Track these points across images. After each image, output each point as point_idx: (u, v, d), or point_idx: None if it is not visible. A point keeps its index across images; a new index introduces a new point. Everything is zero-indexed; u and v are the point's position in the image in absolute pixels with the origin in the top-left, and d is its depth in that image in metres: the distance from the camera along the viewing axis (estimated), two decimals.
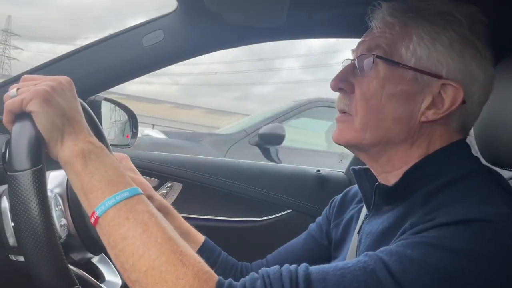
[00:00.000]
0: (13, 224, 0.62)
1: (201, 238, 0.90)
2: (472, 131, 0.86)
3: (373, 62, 0.65)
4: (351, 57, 0.73)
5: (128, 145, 1.39)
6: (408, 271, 0.50)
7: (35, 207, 0.53)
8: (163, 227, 0.53)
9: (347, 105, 0.68)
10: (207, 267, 0.53)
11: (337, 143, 0.70)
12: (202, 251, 0.88)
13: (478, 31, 0.66)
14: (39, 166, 0.55)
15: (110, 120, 1.36)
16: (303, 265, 0.54)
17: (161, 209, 0.87)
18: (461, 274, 0.50)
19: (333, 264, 0.54)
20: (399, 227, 0.60)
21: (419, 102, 0.65)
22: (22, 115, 0.58)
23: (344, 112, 0.69)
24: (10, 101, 0.58)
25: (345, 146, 0.71)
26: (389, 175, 0.69)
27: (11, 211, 0.56)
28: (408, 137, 0.66)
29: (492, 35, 0.68)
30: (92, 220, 0.55)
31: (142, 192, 0.57)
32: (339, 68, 0.73)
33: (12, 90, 0.59)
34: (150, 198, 0.85)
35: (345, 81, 0.68)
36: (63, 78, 0.62)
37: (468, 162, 0.66)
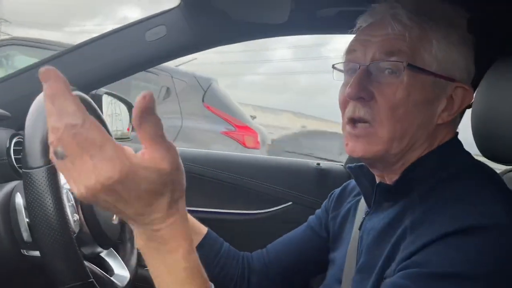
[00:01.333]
0: (28, 220, 0.63)
1: (204, 229, 0.91)
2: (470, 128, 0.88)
3: (404, 70, 0.63)
4: (343, 57, 0.71)
5: (129, 138, 1.40)
6: None
7: (50, 203, 0.55)
8: None
9: (368, 113, 0.65)
10: None
11: (361, 158, 0.67)
12: (205, 242, 0.90)
13: (472, 33, 0.68)
14: (53, 164, 0.56)
15: (109, 113, 1.36)
16: None
17: None
18: None
19: None
20: (399, 224, 0.63)
21: (436, 106, 0.66)
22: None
23: (361, 121, 0.66)
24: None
25: (367, 159, 0.68)
26: (394, 175, 0.69)
27: (26, 207, 0.57)
28: (426, 141, 0.67)
29: (491, 35, 0.70)
30: None
31: None
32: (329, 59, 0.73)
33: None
34: None
35: (364, 88, 0.65)
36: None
37: (463, 158, 0.68)
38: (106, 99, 1.25)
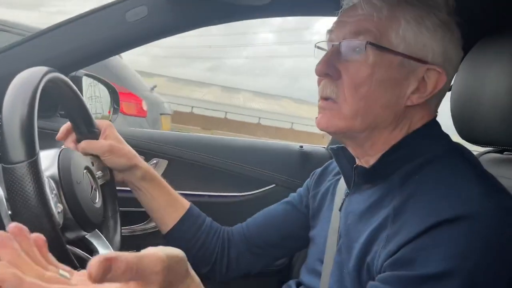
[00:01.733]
0: (10, 212, 0.62)
1: (186, 203, 0.93)
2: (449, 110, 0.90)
3: (365, 49, 0.64)
4: (325, 37, 0.73)
5: (110, 120, 1.38)
6: None
7: (34, 200, 0.53)
8: None
9: (334, 92, 0.67)
10: None
11: (325, 131, 0.69)
12: (188, 216, 0.91)
13: (453, 15, 0.68)
14: (34, 158, 0.55)
15: (89, 95, 1.34)
16: None
17: (147, 177, 0.89)
18: None
19: None
20: (379, 209, 0.64)
21: (405, 87, 0.66)
22: None
23: (328, 99, 0.68)
24: None
25: (332, 133, 0.71)
26: (370, 157, 0.71)
27: (8, 201, 0.56)
28: (393, 121, 0.67)
29: (471, 16, 0.71)
30: None
31: None
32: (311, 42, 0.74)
33: None
34: (135, 166, 0.87)
35: (331, 66, 0.67)
36: None
37: (441, 141, 0.69)
38: (86, 81, 1.23)
